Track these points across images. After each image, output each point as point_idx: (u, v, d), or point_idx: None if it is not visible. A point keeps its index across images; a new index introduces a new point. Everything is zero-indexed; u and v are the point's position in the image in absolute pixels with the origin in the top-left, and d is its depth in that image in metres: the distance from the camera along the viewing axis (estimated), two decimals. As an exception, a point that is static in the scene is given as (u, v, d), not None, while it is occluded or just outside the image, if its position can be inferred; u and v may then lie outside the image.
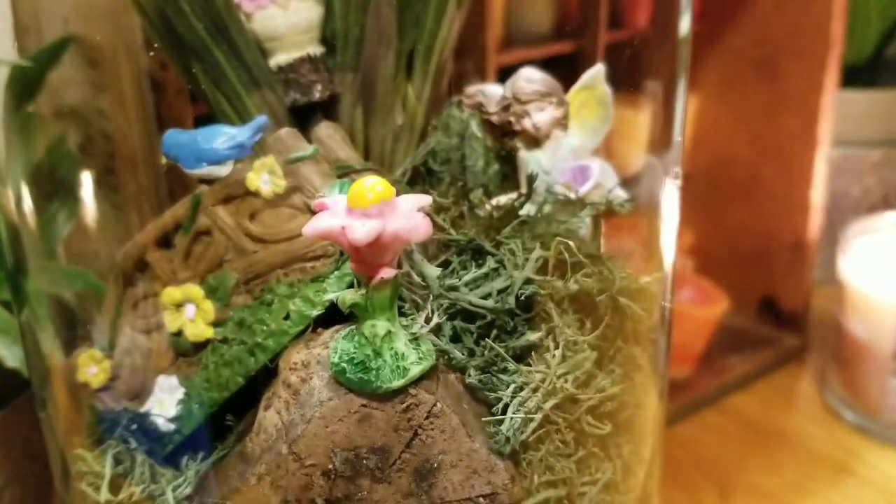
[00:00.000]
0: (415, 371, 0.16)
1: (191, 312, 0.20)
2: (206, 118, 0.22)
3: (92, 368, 0.23)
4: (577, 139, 0.23)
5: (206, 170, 0.20)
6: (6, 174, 0.25)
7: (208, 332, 0.20)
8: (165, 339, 0.21)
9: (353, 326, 0.17)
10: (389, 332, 0.16)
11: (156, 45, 0.27)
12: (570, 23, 0.39)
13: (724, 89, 0.62)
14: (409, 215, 0.15)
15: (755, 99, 0.61)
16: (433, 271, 0.18)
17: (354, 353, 0.16)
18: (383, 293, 0.16)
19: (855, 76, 0.70)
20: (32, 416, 0.38)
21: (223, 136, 0.19)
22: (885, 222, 0.57)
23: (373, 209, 0.15)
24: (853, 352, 0.55)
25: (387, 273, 0.16)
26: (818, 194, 0.61)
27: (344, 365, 0.16)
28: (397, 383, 0.16)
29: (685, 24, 0.25)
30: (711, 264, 0.64)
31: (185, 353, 0.21)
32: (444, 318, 0.18)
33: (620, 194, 0.22)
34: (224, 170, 0.20)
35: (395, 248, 0.16)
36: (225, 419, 0.20)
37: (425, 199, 0.16)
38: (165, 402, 0.21)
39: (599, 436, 0.18)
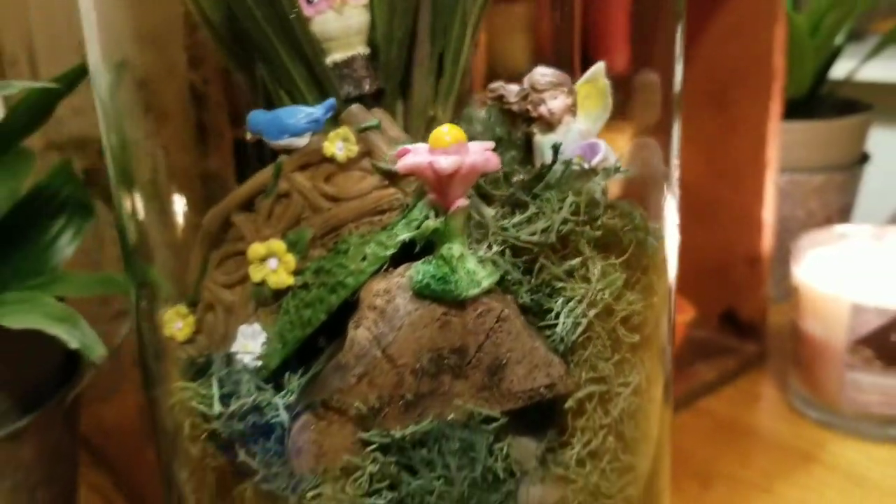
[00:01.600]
0: (486, 283, 0.20)
1: (273, 264, 0.24)
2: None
3: (178, 324, 0.26)
4: (583, 124, 0.27)
5: (287, 141, 0.23)
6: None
7: (289, 280, 0.24)
8: (247, 293, 0.25)
9: (428, 257, 0.21)
10: (462, 253, 0.20)
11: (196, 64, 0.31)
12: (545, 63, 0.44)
13: (681, 119, 0.68)
14: (480, 151, 0.19)
15: (709, 127, 0.67)
16: (490, 211, 0.22)
17: (435, 271, 0.20)
18: (458, 220, 0.20)
19: (795, 109, 0.76)
20: (63, 419, 0.40)
21: (302, 113, 0.23)
22: (832, 234, 0.63)
23: (451, 147, 0.19)
24: (811, 352, 0.60)
25: (462, 202, 0.20)
26: (769, 212, 0.66)
27: (427, 280, 0.20)
28: (473, 292, 0.20)
29: (679, 71, 0.29)
30: (677, 280, 0.69)
31: (265, 302, 0.25)
32: (500, 250, 0.21)
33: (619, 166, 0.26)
34: (302, 141, 0.23)
35: (470, 179, 0.19)
36: (303, 357, 0.23)
37: (489, 144, 0.20)
38: (249, 347, 0.24)
39: (630, 344, 0.22)
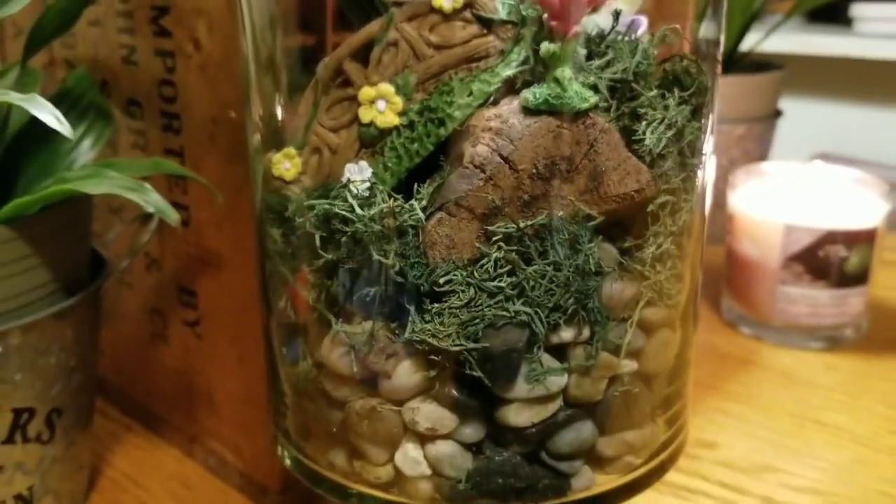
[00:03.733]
0: (592, 100, 0.24)
1: (381, 106, 0.27)
2: None
3: (286, 164, 0.29)
4: (623, 5, 0.32)
5: None
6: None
7: (396, 120, 0.27)
8: (352, 136, 0.28)
9: (537, 86, 0.25)
10: (572, 76, 0.24)
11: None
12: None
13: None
14: None
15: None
16: (582, 51, 0.26)
17: (550, 91, 0.24)
18: (572, 45, 0.24)
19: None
20: (91, 309, 0.42)
21: None
22: (760, 170, 0.70)
23: None
24: (746, 271, 0.66)
25: (577, 28, 0.24)
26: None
27: (546, 97, 0.24)
28: (584, 106, 0.24)
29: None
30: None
31: (371, 143, 0.28)
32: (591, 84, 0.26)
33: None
34: None
35: (584, 8, 0.24)
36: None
37: None
38: (356, 182, 0.28)
39: (691, 165, 0.27)
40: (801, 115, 1.44)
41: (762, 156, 0.86)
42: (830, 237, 0.61)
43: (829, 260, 0.62)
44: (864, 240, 0.62)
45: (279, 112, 0.30)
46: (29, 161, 0.42)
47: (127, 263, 0.45)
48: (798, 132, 1.32)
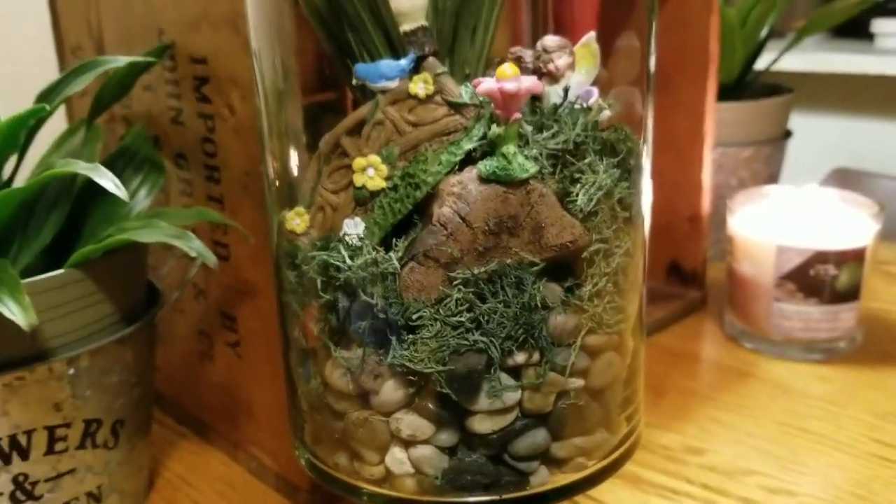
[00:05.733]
0: (532, 170, 0.30)
1: (371, 172, 0.34)
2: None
3: (296, 220, 0.36)
4: (580, 77, 0.38)
5: (382, 84, 0.33)
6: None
7: (383, 184, 0.34)
8: (349, 197, 0.35)
9: (490, 157, 0.31)
10: (515, 151, 0.31)
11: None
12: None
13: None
14: (531, 80, 0.30)
15: (655, 106, 0.78)
16: (528, 127, 0.32)
17: (497, 163, 0.30)
18: (514, 128, 0.30)
19: (727, 92, 0.89)
20: (148, 335, 0.49)
21: (393, 64, 0.33)
22: (760, 194, 0.75)
23: (512, 78, 0.29)
24: (744, 289, 0.71)
25: (517, 115, 0.30)
26: (707, 177, 0.78)
27: (494, 169, 0.30)
28: (525, 175, 0.30)
29: (653, 63, 0.40)
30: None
31: (363, 202, 0.34)
32: (536, 154, 0.32)
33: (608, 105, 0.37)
34: (393, 84, 0.33)
35: (524, 98, 0.30)
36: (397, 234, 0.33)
37: (536, 81, 0.30)
38: (350, 235, 0.34)
39: (623, 218, 0.33)
40: (820, 130, 1.47)
41: (772, 175, 0.90)
42: (820, 257, 0.66)
43: (819, 278, 0.66)
44: (852, 258, 0.66)
45: (293, 169, 0.37)
46: (94, 209, 0.50)
47: (178, 294, 0.52)
48: (817, 147, 1.35)
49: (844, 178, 1.17)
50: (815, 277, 0.66)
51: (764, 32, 0.87)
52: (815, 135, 1.31)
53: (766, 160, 0.88)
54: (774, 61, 0.93)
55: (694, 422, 0.61)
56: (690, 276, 0.80)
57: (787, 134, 0.92)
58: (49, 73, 0.65)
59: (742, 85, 0.91)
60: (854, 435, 0.59)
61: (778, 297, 0.68)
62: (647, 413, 0.62)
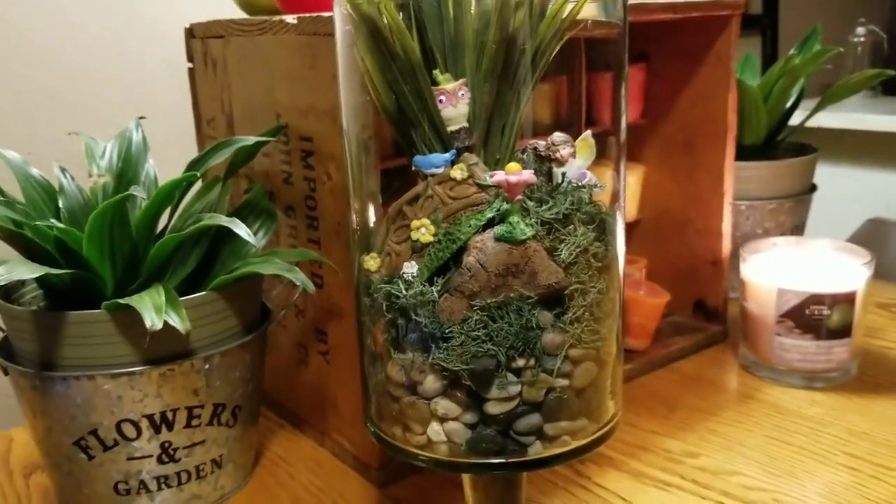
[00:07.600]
0: (529, 234, 0.45)
1: (423, 231, 0.49)
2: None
3: (371, 262, 0.51)
4: (579, 162, 0.52)
5: (432, 170, 0.48)
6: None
7: (431, 239, 0.48)
8: (407, 247, 0.50)
9: (501, 224, 0.46)
10: (519, 220, 0.45)
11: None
12: (562, 120, 0.68)
13: (661, 161, 0.93)
14: (528, 174, 0.44)
15: (681, 167, 0.91)
16: (531, 204, 0.46)
17: (506, 229, 0.45)
18: (517, 206, 0.45)
19: (755, 152, 1.01)
20: (260, 342, 0.65)
21: (440, 157, 0.48)
22: (767, 243, 0.87)
23: (514, 172, 0.44)
24: (752, 325, 0.84)
25: (519, 198, 0.45)
26: (727, 227, 0.90)
27: (503, 233, 0.45)
28: (524, 237, 0.45)
29: (624, 122, 0.54)
30: (659, 278, 0.93)
31: (417, 251, 0.49)
32: (534, 221, 0.46)
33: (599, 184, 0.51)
34: (441, 170, 0.48)
35: (524, 186, 0.44)
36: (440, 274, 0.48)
37: (531, 175, 0.45)
38: (406, 273, 0.49)
39: (596, 267, 0.47)
40: (855, 182, 1.54)
41: (797, 225, 1.02)
42: (814, 299, 0.78)
43: (814, 317, 0.78)
44: (844, 301, 0.78)
45: (370, 221, 0.53)
46: (225, 247, 0.66)
47: (283, 313, 0.68)
48: (853, 197, 1.43)
49: (878, 228, 1.26)
50: (811, 316, 0.78)
51: (790, 102, 0.99)
52: (851, 186, 1.39)
53: (789, 212, 0.99)
54: (802, 123, 1.04)
55: (695, 432, 0.73)
56: (713, 312, 0.92)
57: (813, 188, 1.03)
58: (186, 138, 0.83)
59: (773, 144, 1.03)
60: (829, 448, 0.70)
61: (779, 332, 0.80)
62: (657, 423, 0.75)
